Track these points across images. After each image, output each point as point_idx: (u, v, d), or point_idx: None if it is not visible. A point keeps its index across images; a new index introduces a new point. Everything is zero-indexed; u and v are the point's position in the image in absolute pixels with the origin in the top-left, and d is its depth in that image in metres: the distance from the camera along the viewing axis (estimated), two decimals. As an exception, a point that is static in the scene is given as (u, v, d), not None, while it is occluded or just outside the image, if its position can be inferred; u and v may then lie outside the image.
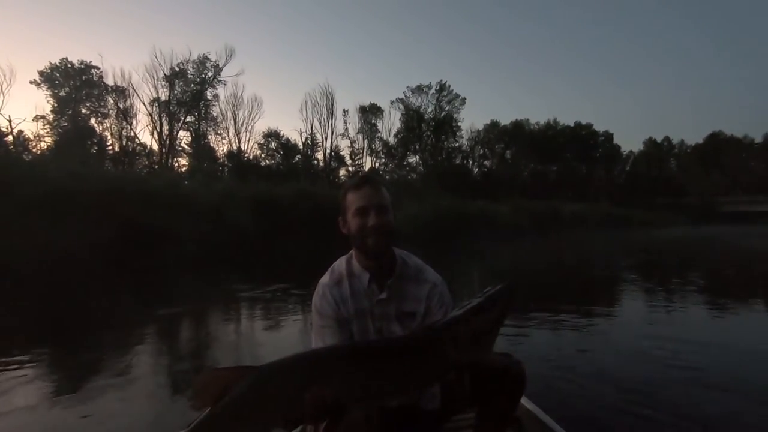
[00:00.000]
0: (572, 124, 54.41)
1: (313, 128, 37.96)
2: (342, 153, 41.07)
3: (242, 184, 19.08)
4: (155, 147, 30.87)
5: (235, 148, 35.17)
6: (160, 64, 29.67)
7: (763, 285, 9.23)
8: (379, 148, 43.40)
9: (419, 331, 1.17)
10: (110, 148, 31.02)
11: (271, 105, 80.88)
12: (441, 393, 1.36)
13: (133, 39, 60.76)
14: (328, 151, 38.51)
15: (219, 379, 0.95)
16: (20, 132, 28.65)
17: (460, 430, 1.67)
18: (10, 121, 25.08)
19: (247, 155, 36.02)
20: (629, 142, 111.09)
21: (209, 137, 34.66)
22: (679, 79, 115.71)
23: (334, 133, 38.61)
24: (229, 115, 35.03)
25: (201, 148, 33.45)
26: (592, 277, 10.71)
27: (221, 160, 34.35)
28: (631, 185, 55.95)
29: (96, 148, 30.49)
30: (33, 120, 29.70)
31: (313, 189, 17.94)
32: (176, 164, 33.34)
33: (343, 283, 1.37)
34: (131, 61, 76.35)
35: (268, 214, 15.06)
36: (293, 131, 45.00)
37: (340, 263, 1.42)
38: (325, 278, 1.41)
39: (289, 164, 37.21)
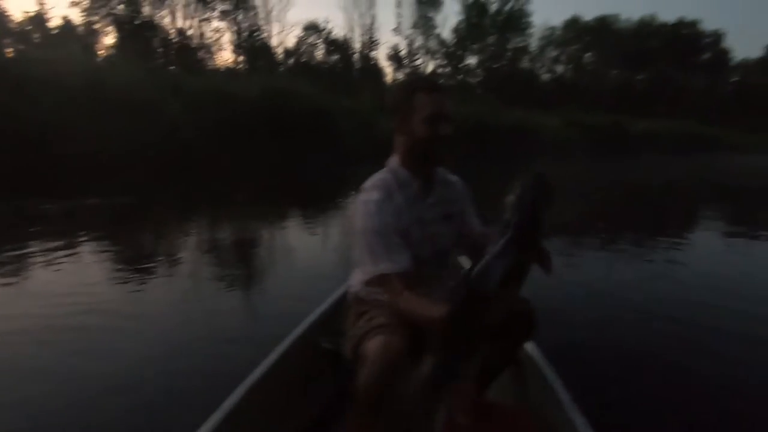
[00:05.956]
0: (673, 21, 45.44)
1: (353, 21, 34.70)
2: (400, 52, 37.88)
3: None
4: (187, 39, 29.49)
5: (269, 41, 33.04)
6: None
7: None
8: (436, 48, 39.50)
9: (468, 290, 1.11)
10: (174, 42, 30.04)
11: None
12: None
13: None
14: (368, 48, 35.55)
15: None
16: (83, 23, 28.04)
17: None
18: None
19: (300, 52, 34.20)
20: (746, 46, 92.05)
21: (261, 31, 32.56)
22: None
23: (375, 24, 35.11)
24: (258, 1, 32.14)
25: (251, 43, 31.92)
26: (641, 209, 8.98)
27: (277, 55, 32.49)
28: (737, 100, 47.13)
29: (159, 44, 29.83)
30: (68, 7, 29.56)
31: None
32: (217, 60, 32.54)
33: (394, 196, 1.35)
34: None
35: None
36: (325, 24, 40.98)
37: (383, 176, 1.38)
38: (372, 195, 1.33)
39: (345, 61, 34.89)
